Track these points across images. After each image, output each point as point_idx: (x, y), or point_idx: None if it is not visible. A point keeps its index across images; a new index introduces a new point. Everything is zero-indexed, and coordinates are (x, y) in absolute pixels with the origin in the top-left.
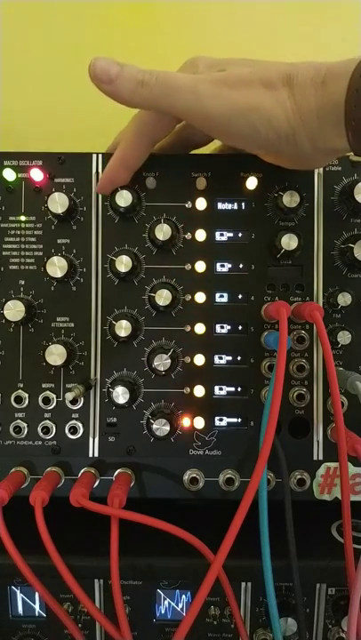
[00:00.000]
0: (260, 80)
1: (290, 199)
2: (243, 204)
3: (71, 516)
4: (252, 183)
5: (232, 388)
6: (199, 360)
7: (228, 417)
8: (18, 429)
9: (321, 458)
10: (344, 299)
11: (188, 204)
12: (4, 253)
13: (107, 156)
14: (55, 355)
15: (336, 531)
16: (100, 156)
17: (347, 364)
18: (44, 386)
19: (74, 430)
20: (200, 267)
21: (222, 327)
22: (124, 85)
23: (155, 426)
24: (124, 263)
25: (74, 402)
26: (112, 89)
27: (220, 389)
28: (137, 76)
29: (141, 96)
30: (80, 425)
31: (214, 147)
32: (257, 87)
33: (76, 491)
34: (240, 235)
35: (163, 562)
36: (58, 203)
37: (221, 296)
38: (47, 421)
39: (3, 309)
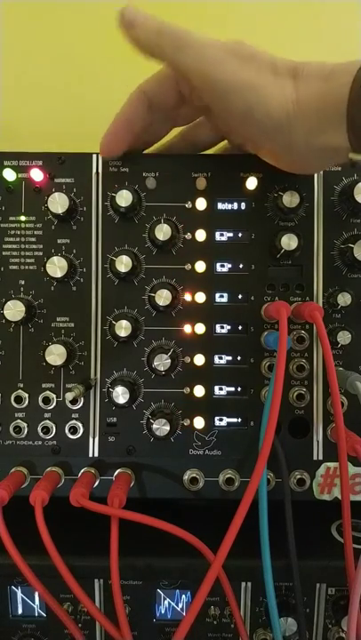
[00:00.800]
0: (269, 64)
1: (290, 199)
2: (243, 203)
3: (71, 516)
4: (252, 183)
5: (232, 388)
6: (199, 360)
7: (228, 417)
8: (18, 429)
9: (321, 458)
10: (344, 299)
11: (188, 204)
12: (4, 253)
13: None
14: (55, 355)
15: (336, 531)
16: (100, 156)
17: (347, 364)
18: (44, 386)
19: (74, 430)
20: (200, 267)
21: (222, 327)
22: (143, 30)
23: (155, 426)
24: (124, 263)
25: (74, 402)
26: (132, 33)
27: (220, 389)
28: (156, 25)
29: (154, 43)
30: (80, 425)
31: (217, 147)
32: (264, 69)
33: (76, 491)
34: (240, 235)
35: (163, 562)
36: (58, 203)
37: (221, 296)
38: (47, 421)
39: (3, 309)
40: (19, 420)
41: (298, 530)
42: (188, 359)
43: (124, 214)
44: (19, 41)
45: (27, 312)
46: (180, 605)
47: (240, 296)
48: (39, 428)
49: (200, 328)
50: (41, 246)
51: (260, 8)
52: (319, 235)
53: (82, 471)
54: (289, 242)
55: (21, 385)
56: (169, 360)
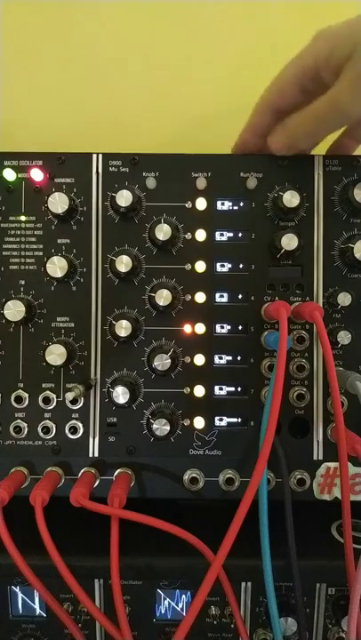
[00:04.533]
0: None
1: (290, 199)
2: (243, 203)
3: (71, 515)
4: (252, 183)
5: (232, 388)
6: (199, 360)
7: (228, 417)
8: (18, 429)
9: (321, 458)
10: (344, 299)
11: (188, 204)
12: (4, 253)
13: (107, 156)
14: (55, 355)
15: (336, 531)
16: (100, 155)
17: (347, 364)
18: (44, 386)
19: (74, 430)
20: (200, 267)
21: (222, 327)
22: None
23: (155, 426)
24: (124, 263)
25: (74, 402)
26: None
27: (220, 389)
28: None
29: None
30: (80, 425)
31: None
32: None
33: (76, 490)
34: (240, 235)
35: (163, 562)
36: (58, 203)
37: (221, 296)
38: (47, 421)
39: (3, 309)
40: (19, 420)
41: (298, 530)
42: (188, 359)
43: (124, 214)
44: (19, 41)
45: (27, 312)
46: (180, 605)
47: (240, 296)
48: (39, 428)
49: (200, 328)
50: (41, 246)
51: (261, 8)
52: (319, 235)
53: (82, 471)
54: (289, 242)
55: (21, 385)
56: (169, 360)
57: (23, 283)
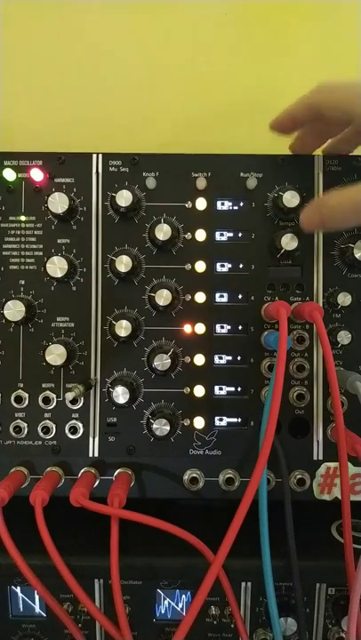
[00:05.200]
0: None
1: (290, 199)
2: (243, 203)
3: (71, 515)
4: (252, 183)
5: (232, 388)
6: (199, 360)
7: (228, 417)
8: (18, 429)
9: (321, 458)
10: (344, 299)
11: (188, 204)
12: (4, 253)
13: (107, 156)
14: (55, 355)
15: (336, 531)
16: (100, 155)
17: (347, 364)
18: (44, 386)
19: (74, 430)
20: (200, 267)
21: (222, 327)
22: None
23: (155, 426)
24: (124, 263)
25: (74, 402)
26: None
27: (220, 389)
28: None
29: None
30: (80, 425)
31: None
32: None
33: (76, 490)
34: (240, 235)
35: (163, 562)
36: (58, 203)
37: (221, 296)
38: (47, 421)
39: (3, 309)
40: (19, 420)
41: (298, 530)
42: (188, 359)
43: (124, 214)
44: (19, 41)
45: (27, 312)
46: (180, 605)
47: (240, 296)
48: (39, 428)
49: (200, 328)
50: (41, 246)
51: (260, 8)
52: (319, 235)
53: (82, 471)
54: (289, 242)
55: (21, 385)
56: (169, 360)
57: (23, 283)
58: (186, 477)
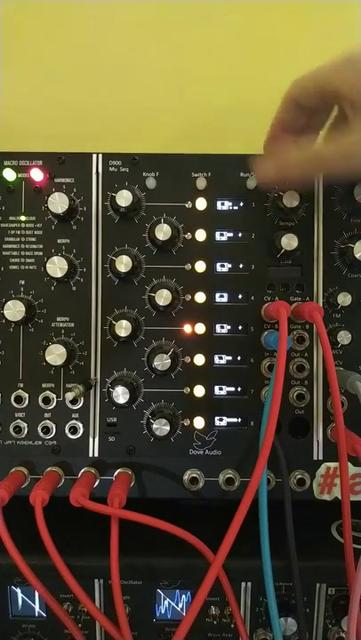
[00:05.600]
0: None
1: (290, 199)
2: (243, 203)
3: (71, 515)
4: (252, 183)
5: (232, 388)
6: (199, 360)
7: (228, 417)
8: (18, 429)
9: (321, 458)
10: (344, 299)
11: (188, 204)
12: (4, 253)
13: (107, 156)
14: (55, 355)
15: (336, 531)
16: (100, 155)
17: (347, 364)
18: (44, 386)
19: (74, 430)
20: (200, 267)
21: (222, 327)
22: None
23: (155, 426)
24: (124, 263)
25: (74, 402)
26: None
27: (220, 389)
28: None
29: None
30: (80, 425)
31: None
32: None
33: (76, 490)
34: (240, 235)
35: (163, 562)
36: (58, 203)
37: (221, 296)
38: (47, 421)
39: (3, 309)
40: (19, 420)
41: (298, 530)
42: (188, 359)
43: (124, 214)
44: (19, 41)
45: (27, 312)
46: (180, 605)
47: (240, 296)
48: (39, 428)
49: (200, 328)
50: (41, 246)
51: (260, 8)
52: (319, 235)
53: (82, 471)
54: (289, 242)
55: (21, 385)
56: (169, 360)
57: (23, 283)
58: (186, 477)
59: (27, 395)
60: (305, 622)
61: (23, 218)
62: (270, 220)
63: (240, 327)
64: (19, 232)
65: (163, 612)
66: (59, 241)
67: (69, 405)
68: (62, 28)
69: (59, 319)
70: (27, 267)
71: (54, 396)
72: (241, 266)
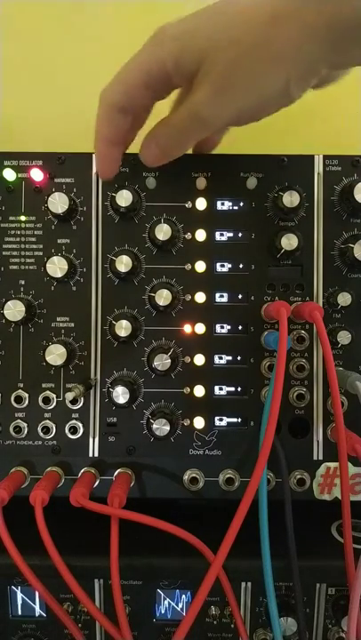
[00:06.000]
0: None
1: (290, 199)
2: (243, 203)
3: (71, 515)
4: (252, 183)
5: (232, 388)
6: (199, 360)
7: (228, 417)
8: (18, 429)
9: (321, 458)
10: (344, 299)
11: (188, 204)
12: (4, 253)
13: None
14: (55, 355)
15: (336, 531)
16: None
17: (347, 364)
18: (44, 386)
19: (74, 430)
20: (200, 267)
21: (222, 327)
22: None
23: (155, 426)
24: (124, 263)
25: (74, 402)
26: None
27: (220, 389)
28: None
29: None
30: (80, 425)
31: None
32: None
33: (76, 490)
34: (240, 235)
35: (163, 562)
36: (58, 203)
37: (221, 296)
38: (47, 421)
39: (3, 309)
40: (19, 420)
41: (298, 530)
42: (188, 359)
43: (124, 214)
44: (19, 41)
45: (27, 312)
46: (180, 605)
47: (240, 296)
48: (39, 428)
49: (200, 328)
50: (41, 246)
51: None
52: (319, 235)
53: (82, 471)
54: (289, 242)
55: (21, 385)
56: (169, 360)
57: (23, 283)
58: (186, 477)
59: (27, 395)
60: (305, 622)
61: (23, 218)
62: (270, 219)
63: (240, 327)
64: (19, 232)
65: (163, 612)
66: (59, 241)
67: (69, 405)
68: (62, 29)
69: (59, 319)
70: (27, 267)
71: (54, 396)
72: (241, 266)
